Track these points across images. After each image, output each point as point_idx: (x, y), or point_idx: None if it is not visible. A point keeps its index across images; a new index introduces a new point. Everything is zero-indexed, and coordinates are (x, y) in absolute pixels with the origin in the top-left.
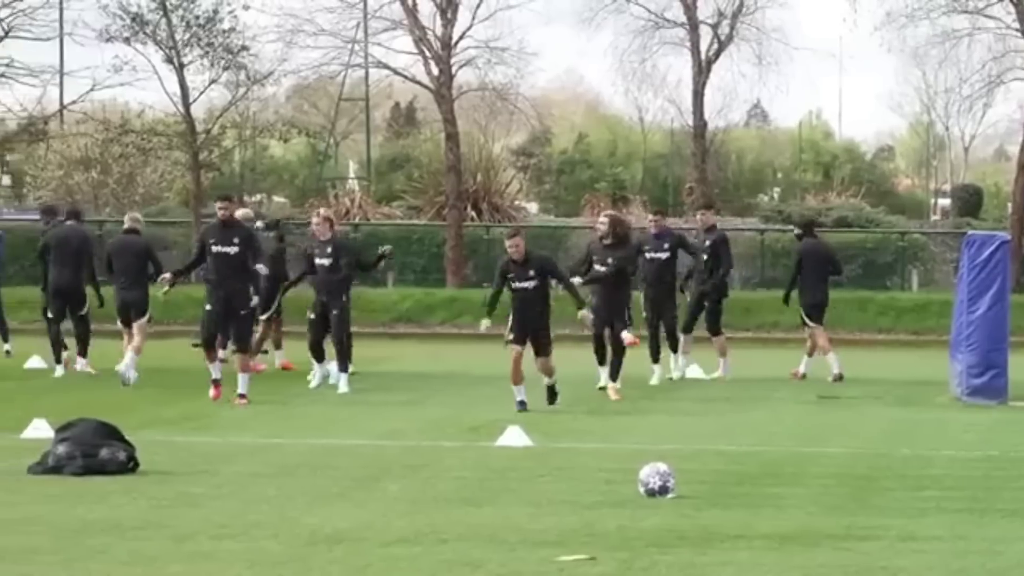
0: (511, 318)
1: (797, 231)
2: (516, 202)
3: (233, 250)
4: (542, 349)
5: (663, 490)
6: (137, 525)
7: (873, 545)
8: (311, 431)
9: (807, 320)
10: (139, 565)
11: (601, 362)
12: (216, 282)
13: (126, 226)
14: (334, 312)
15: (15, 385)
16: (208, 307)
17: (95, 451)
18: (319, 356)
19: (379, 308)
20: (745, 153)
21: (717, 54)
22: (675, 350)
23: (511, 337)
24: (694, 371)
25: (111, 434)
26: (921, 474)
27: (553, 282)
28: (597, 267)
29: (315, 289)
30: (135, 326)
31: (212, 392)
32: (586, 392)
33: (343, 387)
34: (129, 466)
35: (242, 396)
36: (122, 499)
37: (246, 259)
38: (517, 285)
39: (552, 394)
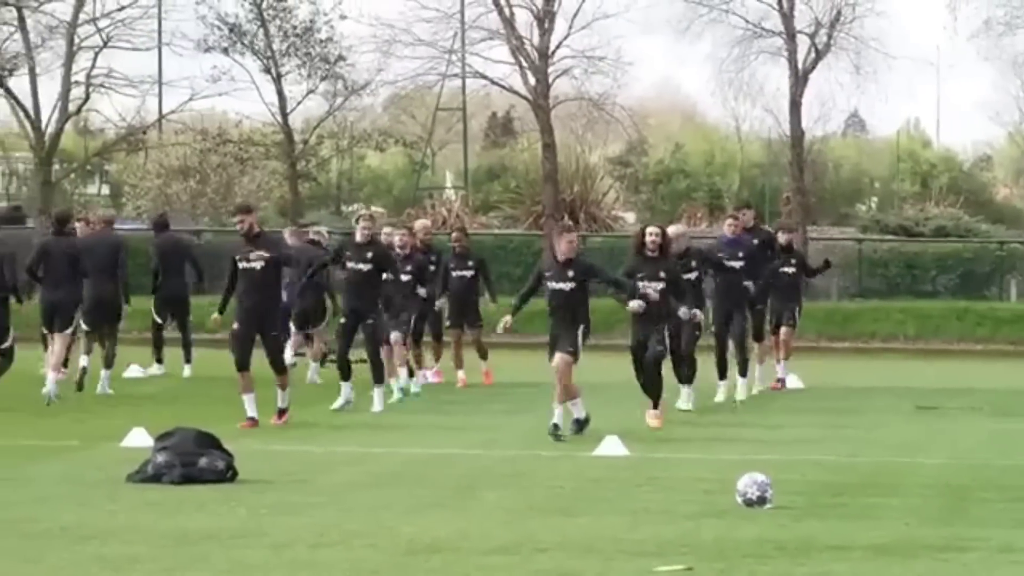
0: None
1: None
2: (613, 212)
3: (258, 265)
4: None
5: (761, 500)
6: (236, 533)
7: (971, 556)
8: (408, 441)
9: None
10: (238, 573)
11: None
12: (241, 299)
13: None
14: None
15: (115, 395)
16: (235, 326)
17: (194, 460)
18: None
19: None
20: (842, 163)
21: (814, 63)
22: (743, 373)
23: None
24: (793, 381)
25: (210, 443)
26: (1020, 485)
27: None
28: (644, 284)
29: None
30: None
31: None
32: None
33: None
34: (227, 475)
35: (281, 412)
36: (221, 508)
37: (273, 275)
38: (554, 286)
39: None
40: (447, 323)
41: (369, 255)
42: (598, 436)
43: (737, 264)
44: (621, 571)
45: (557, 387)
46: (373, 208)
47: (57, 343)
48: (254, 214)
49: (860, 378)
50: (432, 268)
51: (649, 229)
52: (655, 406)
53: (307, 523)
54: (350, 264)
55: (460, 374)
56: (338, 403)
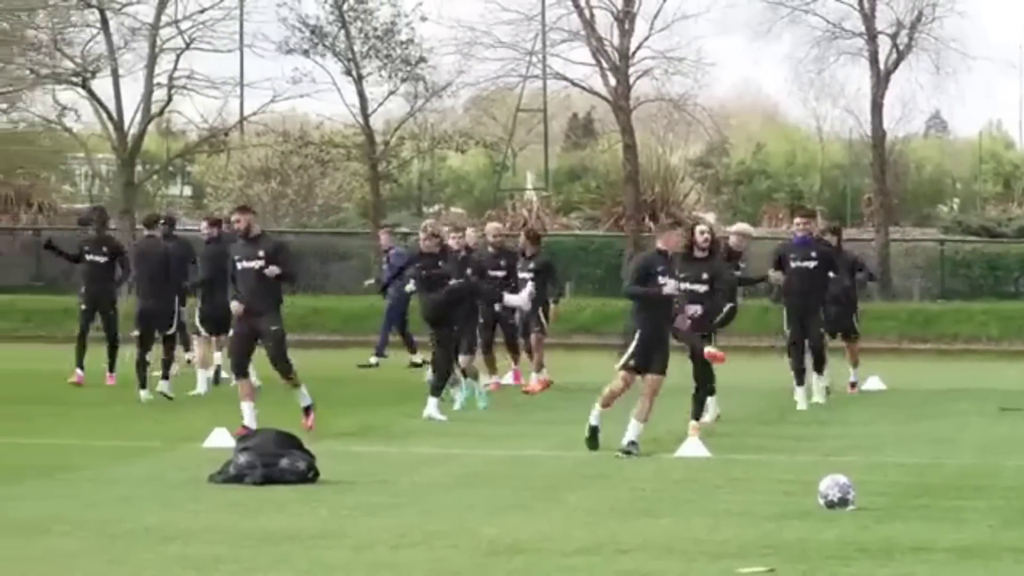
0: (639, 334)
1: None
2: (694, 212)
3: (257, 265)
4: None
5: (843, 502)
6: (317, 534)
7: None
8: (488, 442)
9: None
10: (320, 574)
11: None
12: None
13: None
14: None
15: (196, 396)
16: (234, 327)
17: (275, 460)
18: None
19: (557, 319)
20: (924, 163)
21: (896, 64)
22: (819, 371)
23: (633, 362)
24: (875, 383)
25: (291, 444)
26: None
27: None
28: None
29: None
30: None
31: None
32: (763, 404)
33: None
34: (309, 476)
35: (307, 411)
36: (302, 508)
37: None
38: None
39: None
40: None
41: (440, 264)
42: (679, 437)
43: (811, 264)
44: (703, 572)
45: (645, 404)
46: (453, 209)
47: (206, 346)
48: (249, 214)
49: (943, 380)
50: (503, 272)
51: (700, 228)
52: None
53: (388, 524)
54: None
55: (534, 376)
56: (456, 404)
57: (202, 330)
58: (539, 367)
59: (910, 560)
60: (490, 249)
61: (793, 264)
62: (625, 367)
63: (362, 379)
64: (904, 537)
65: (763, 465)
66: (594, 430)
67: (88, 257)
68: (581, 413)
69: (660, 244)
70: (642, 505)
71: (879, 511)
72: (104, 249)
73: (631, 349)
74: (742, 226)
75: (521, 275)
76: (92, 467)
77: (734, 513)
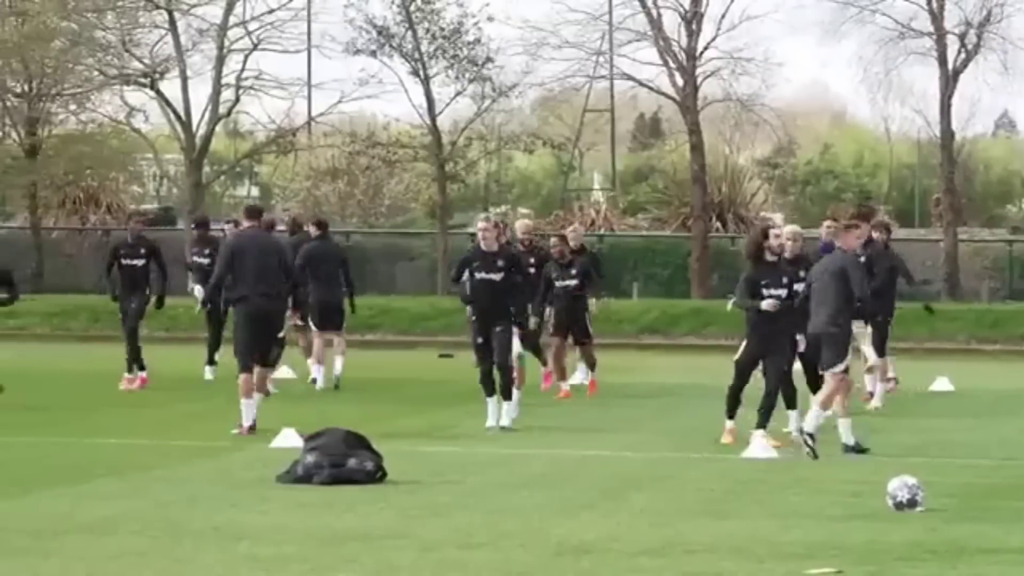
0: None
1: None
2: (762, 213)
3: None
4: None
5: (911, 503)
6: (385, 534)
7: None
8: (554, 443)
9: None
10: (387, 574)
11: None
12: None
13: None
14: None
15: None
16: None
17: (343, 460)
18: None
19: (624, 319)
20: (992, 163)
21: (964, 64)
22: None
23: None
24: (943, 384)
25: (359, 444)
26: None
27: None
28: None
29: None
30: None
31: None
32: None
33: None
34: (377, 476)
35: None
36: (370, 508)
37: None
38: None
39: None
40: (549, 331)
41: (500, 263)
42: (745, 438)
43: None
44: (771, 574)
45: (841, 402)
46: (520, 209)
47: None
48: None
49: (1012, 381)
50: (531, 271)
51: (785, 229)
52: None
53: (456, 524)
54: (479, 275)
55: (564, 385)
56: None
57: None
58: (561, 375)
59: (979, 561)
60: (520, 247)
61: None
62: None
63: (429, 379)
64: (973, 538)
65: (830, 465)
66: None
67: (195, 260)
68: (648, 413)
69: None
70: (709, 506)
71: (948, 512)
72: (207, 251)
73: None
74: (793, 228)
75: (562, 283)
76: (162, 467)
77: (802, 514)
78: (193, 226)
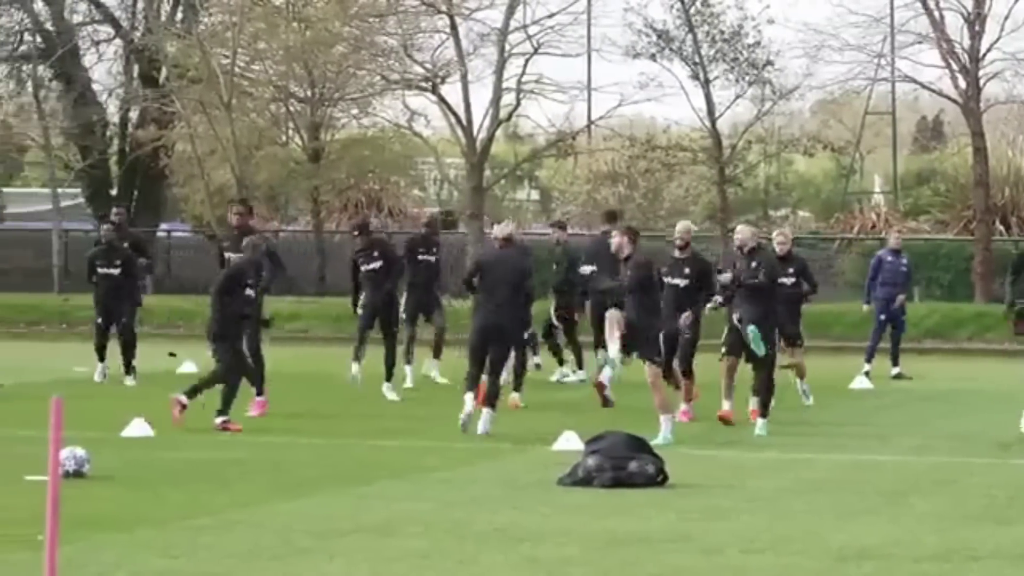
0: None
1: None
2: None
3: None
4: None
5: None
6: (666, 538)
7: None
8: (834, 447)
9: None
10: None
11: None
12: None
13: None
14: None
15: (545, 396)
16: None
17: (624, 464)
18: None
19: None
20: None
21: None
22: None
23: None
24: None
25: (640, 447)
26: None
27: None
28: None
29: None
30: None
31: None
32: None
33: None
34: (658, 479)
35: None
36: (650, 511)
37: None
38: None
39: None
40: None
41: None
42: None
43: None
44: None
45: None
46: (800, 213)
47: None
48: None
49: None
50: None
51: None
52: None
53: (736, 528)
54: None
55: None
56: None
57: None
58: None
59: None
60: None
61: None
62: None
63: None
64: None
65: None
66: None
67: (363, 266)
68: (931, 417)
69: None
70: (994, 512)
71: None
72: (375, 254)
73: None
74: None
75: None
76: (443, 468)
77: None
78: (356, 232)
